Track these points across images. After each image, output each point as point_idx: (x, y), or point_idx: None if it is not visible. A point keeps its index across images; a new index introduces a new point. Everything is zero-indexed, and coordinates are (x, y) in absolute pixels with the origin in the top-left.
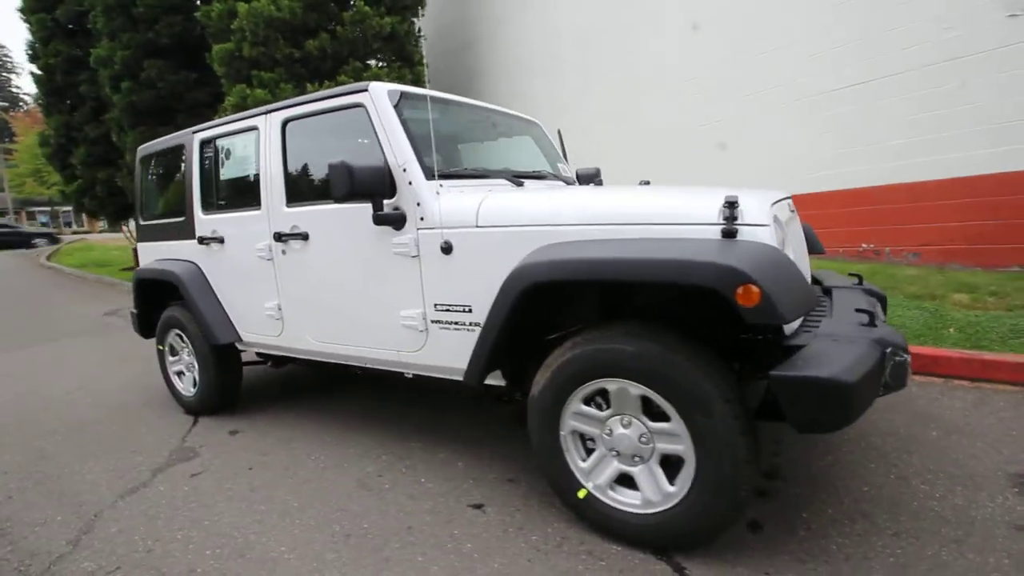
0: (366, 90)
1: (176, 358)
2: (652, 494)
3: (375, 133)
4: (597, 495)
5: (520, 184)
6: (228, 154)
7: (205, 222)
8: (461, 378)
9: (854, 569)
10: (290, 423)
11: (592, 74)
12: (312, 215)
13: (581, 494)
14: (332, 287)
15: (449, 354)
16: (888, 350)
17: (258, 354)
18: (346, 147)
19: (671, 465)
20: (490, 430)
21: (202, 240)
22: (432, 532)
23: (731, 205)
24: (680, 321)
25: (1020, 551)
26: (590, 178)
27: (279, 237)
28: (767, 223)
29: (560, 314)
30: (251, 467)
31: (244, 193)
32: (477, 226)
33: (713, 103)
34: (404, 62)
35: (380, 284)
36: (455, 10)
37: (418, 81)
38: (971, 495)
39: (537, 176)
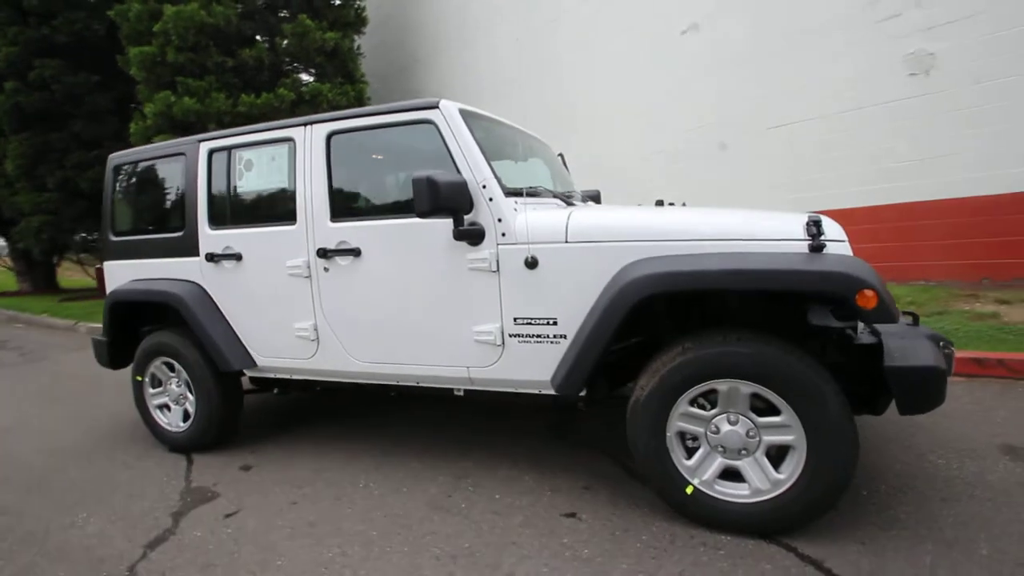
0: (436, 107)
1: (159, 390)
2: (760, 483)
3: (447, 150)
4: (704, 490)
5: (571, 203)
6: (248, 165)
7: (214, 238)
8: (537, 390)
9: (929, 530)
10: (309, 452)
11: (539, 99)
12: (365, 230)
13: (688, 490)
14: (390, 304)
15: (527, 367)
16: (941, 343)
17: (254, 381)
18: (403, 162)
19: (771, 455)
20: (536, 443)
21: (212, 257)
22: (542, 544)
23: (816, 224)
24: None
25: None
26: (593, 198)
27: (323, 253)
28: (845, 239)
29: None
30: (294, 501)
31: (272, 207)
32: (567, 241)
33: (662, 133)
34: (345, 78)
35: (451, 300)
36: (391, 30)
37: (360, 98)
38: (981, 464)
39: (569, 196)
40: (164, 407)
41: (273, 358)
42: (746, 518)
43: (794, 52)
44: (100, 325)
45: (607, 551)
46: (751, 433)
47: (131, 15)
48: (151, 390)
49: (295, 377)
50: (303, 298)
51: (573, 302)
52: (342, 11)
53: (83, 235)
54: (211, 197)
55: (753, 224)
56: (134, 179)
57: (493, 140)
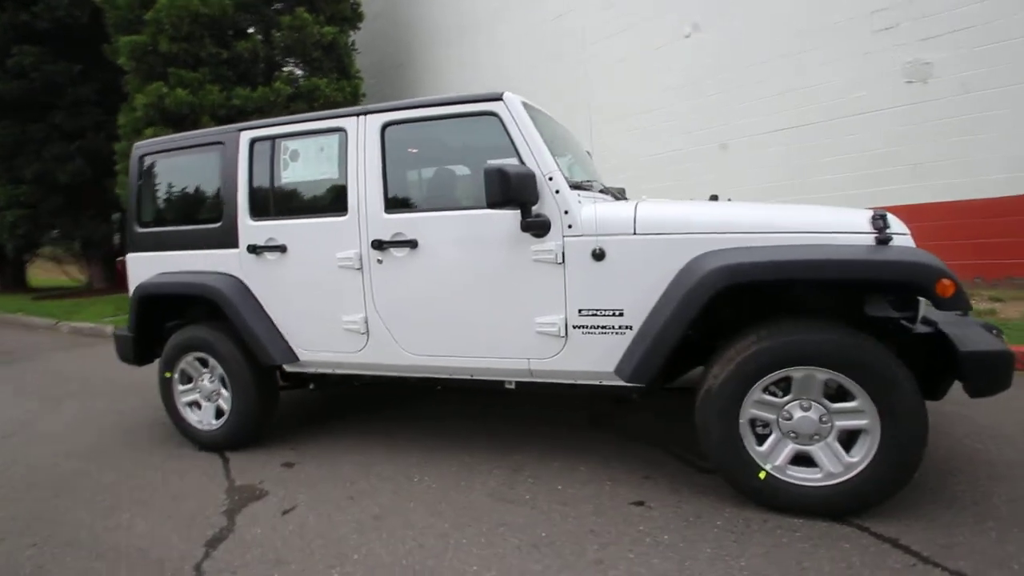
0: (500, 99)
1: (190, 386)
2: (833, 467)
3: (512, 142)
4: (777, 475)
5: (620, 197)
6: (295, 155)
7: (256, 229)
8: (598, 381)
9: (987, 508)
10: (351, 448)
11: (541, 97)
12: (423, 222)
13: (761, 476)
14: (449, 297)
15: (590, 358)
16: (993, 331)
17: (287, 377)
18: (462, 154)
19: (840, 439)
20: (582, 435)
21: (254, 249)
22: (619, 531)
23: (882, 217)
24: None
25: None
26: (616, 195)
27: (379, 245)
28: (907, 232)
29: None
30: (351, 496)
31: (320, 198)
32: (635, 233)
33: (666, 134)
34: (340, 74)
35: (513, 292)
36: (384, 25)
37: (356, 94)
38: (1015, 447)
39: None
40: (194, 404)
41: (317, 352)
42: (819, 501)
43: (797, 57)
44: (84, 324)
45: (687, 537)
46: (824, 419)
47: (120, 2)
48: (180, 387)
49: (339, 371)
50: (353, 290)
51: (640, 293)
52: (339, 6)
53: (59, 232)
54: (252, 187)
55: (821, 217)
56: (163, 168)
57: (548, 135)
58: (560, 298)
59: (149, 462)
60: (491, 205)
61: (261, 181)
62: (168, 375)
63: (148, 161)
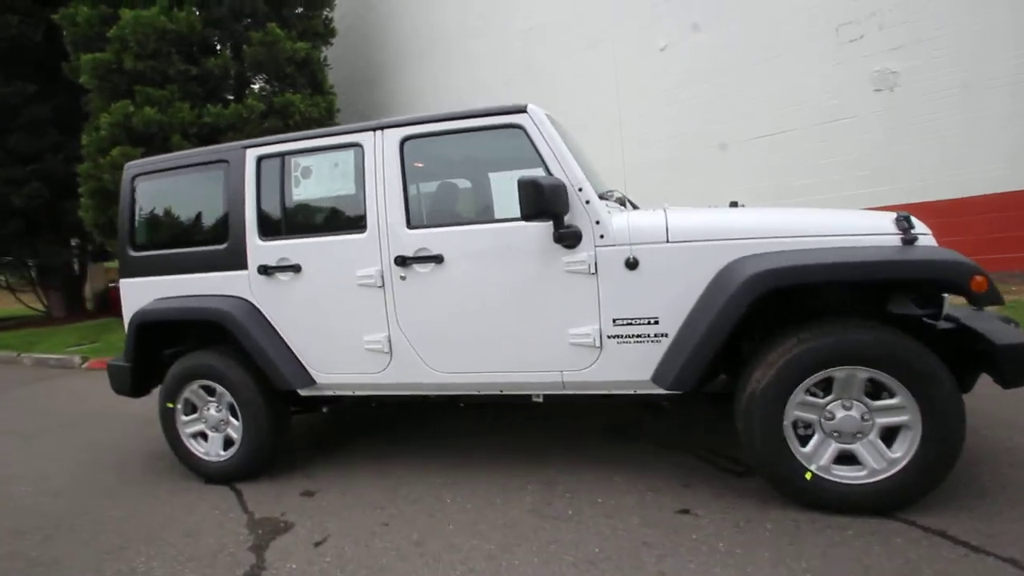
0: (524, 111)
1: (194, 416)
2: (877, 463)
3: (539, 154)
4: (822, 475)
5: (634, 206)
6: (306, 172)
7: (266, 249)
8: (633, 391)
9: (1016, 493)
10: (371, 471)
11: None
12: (449, 236)
13: (808, 476)
14: (477, 311)
15: (626, 368)
16: (1013, 323)
17: (297, 401)
18: (484, 167)
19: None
20: (607, 445)
21: (265, 269)
22: (674, 541)
23: (906, 219)
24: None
25: None
26: (620, 201)
27: (402, 261)
28: (929, 232)
29: None
30: (385, 523)
31: (336, 215)
32: (668, 241)
33: (645, 144)
34: (314, 89)
35: (545, 304)
36: (354, 41)
37: (330, 109)
38: None
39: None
40: (199, 435)
41: (336, 374)
42: (865, 498)
43: (772, 67)
44: (48, 355)
45: (741, 543)
46: (865, 417)
47: (80, 19)
48: (184, 417)
49: (359, 393)
50: (375, 309)
51: (675, 300)
52: (311, 21)
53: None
54: (261, 206)
55: (847, 220)
56: (159, 189)
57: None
58: (594, 308)
59: (151, 497)
60: (525, 217)
61: (270, 199)
62: (170, 405)
63: (142, 182)
